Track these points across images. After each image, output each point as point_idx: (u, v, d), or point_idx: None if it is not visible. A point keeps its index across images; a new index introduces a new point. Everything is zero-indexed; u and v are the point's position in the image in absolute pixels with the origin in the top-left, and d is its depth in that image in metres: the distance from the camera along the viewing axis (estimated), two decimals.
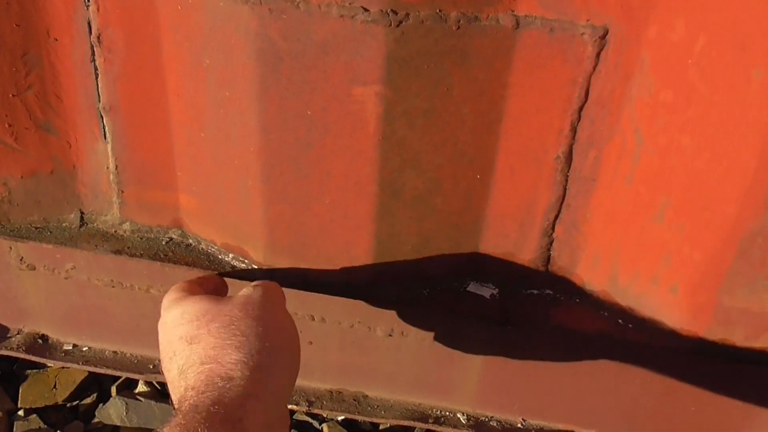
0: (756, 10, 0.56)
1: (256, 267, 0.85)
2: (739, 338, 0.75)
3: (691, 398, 0.93)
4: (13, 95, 0.79)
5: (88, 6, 0.73)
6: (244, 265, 0.85)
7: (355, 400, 1.05)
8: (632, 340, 0.80)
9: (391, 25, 0.62)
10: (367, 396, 1.04)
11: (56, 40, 0.76)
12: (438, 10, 0.62)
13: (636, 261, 0.75)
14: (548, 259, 0.82)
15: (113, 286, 0.96)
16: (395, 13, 0.61)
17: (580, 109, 0.69)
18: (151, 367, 1.05)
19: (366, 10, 0.61)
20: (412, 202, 0.75)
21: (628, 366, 0.91)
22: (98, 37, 0.74)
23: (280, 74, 0.66)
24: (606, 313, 0.82)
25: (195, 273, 0.86)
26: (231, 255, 0.86)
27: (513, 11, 0.64)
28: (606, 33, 0.64)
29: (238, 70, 0.68)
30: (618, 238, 0.75)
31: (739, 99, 0.60)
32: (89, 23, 0.74)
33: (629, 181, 0.70)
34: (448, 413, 1.03)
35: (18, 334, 1.07)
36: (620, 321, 0.81)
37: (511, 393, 0.99)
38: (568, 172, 0.74)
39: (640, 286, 0.77)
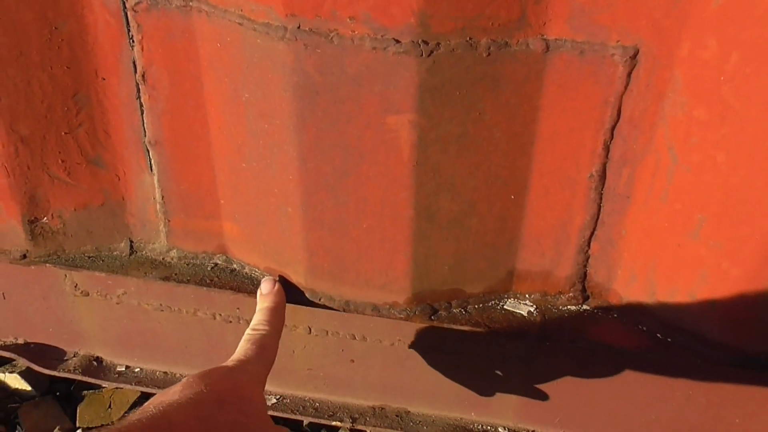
0: None
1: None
2: None
3: (735, 411, 0.92)
4: (65, 133, 0.83)
5: (132, 47, 0.76)
6: None
7: (397, 416, 1.06)
8: (672, 354, 0.80)
9: (422, 55, 0.63)
10: (409, 412, 1.05)
11: (104, 79, 0.80)
12: (468, 38, 0.64)
13: (673, 276, 0.75)
14: (585, 275, 0.83)
15: (162, 310, 1.00)
16: (426, 43, 0.63)
17: (613, 128, 0.70)
18: None
19: (397, 41, 0.63)
20: (448, 225, 0.77)
21: (669, 380, 0.90)
22: (143, 76, 0.78)
23: (316, 106, 0.69)
24: (644, 328, 0.81)
25: (240, 297, 0.89)
26: None
27: (543, 35, 0.65)
28: (637, 53, 0.65)
29: (276, 104, 0.70)
30: (654, 254, 0.75)
31: None
32: (134, 63, 0.77)
33: (664, 199, 0.71)
34: (489, 427, 1.04)
35: (74, 356, 1.11)
36: (659, 335, 0.80)
37: (552, 407, 0.99)
38: (602, 190, 0.75)
39: (678, 301, 0.76)
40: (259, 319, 0.79)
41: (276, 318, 0.80)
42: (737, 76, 0.60)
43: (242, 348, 0.74)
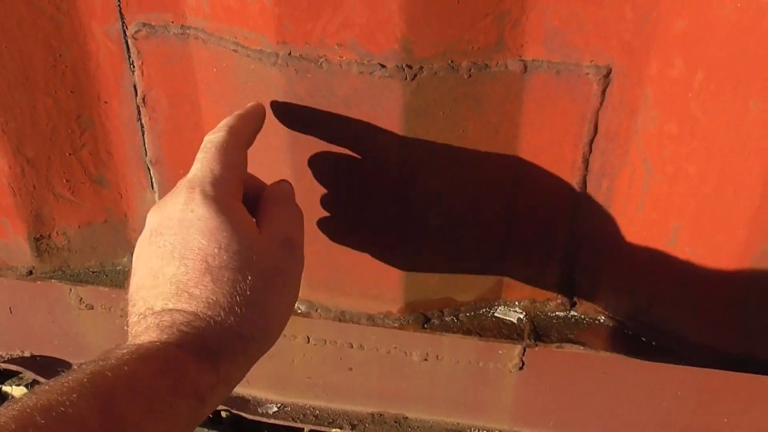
0: (748, 46, 0.59)
1: None
2: (761, 351, 0.77)
3: (724, 411, 0.94)
4: (69, 154, 0.87)
5: (133, 72, 0.80)
6: None
7: (396, 422, 1.09)
8: (658, 357, 0.83)
9: (406, 78, 0.67)
10: (407, 417, 1.08)
11: (106, 102, 0.84)
12: (450, 62, 0.67)
13: (654, 282, 0.78)
14: (571, 282, 0.86)
15: None
16: (410, 67, 0.66)
17: (591, 142, 0.73)
18: None
19: (383, 66, 0.66)
20: (438, 238, 0.80)
21: (657, 382, 0.93)
22: (143, 99, 0.81)
23: (307, 127, 0.72)
24: (630, 332, 0.85)
25: None
26: None
27: (521, 57, 0.68)
28: (609, 72, 0.68)
29: (270, 125, 0.74)
30: (635, 261, 0.79)
31: (740, 129, 0.63)
32: (135, 87, 0.81)
33: (641, 208, 0.74)
34: (485, 431, 1.07)
35: None
36: (644, 339, 0.84)
37: (546, 410, 1.02)
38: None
39: (661, 306, 0.79)
40: (219, 125, 0.63)
41: (240, 122, 0.64)
42: (703, 93, 0.63)
43: (196, 161, 0.59)
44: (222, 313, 0.51)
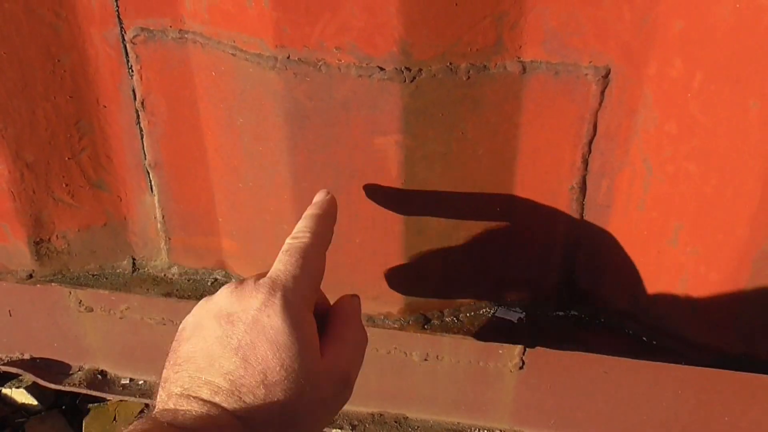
0: (747, 46, 0.59)
1: None
2: (762, 350, 0.77)
3: (724, 410, 0.95)
4: (68, 158, 0.87)
5: (132, 76, 0.80)
6: None
7: (396, 422, 1.09)
8: (658, 356, 0.83)
9: (405, 81, 0.67)
10: (407, 417, 1.08)
11: (105, 107, 0.83)
12: (448, 63, 0.67)
13: (655, 282, 0.78)
14: (571, 282, 0.86)
15: (164, 324, 1.03)
16: (409, 70, 0.66)
17: (590, 142, 0.73)
18: None
19: (382, 69, 0.66)
20: (437, 238, 0.80)
21: (658, 382, 0.93)
22: (142, 103, 0.81)
23: (307, 130, 0.72)
24: (630, 332, 0.85)
25: None
26: None
27: (519, 58, 0.68)
28: (608, 72, 0.68)
29: (269, 128, 0.74)
30: (636, 261, 0.79)
31: (739, 128, 0.63)
32: (133, 91, 0.81)
33: (641, 208, 0.74)
34: (485, 431, 1.07)
35: (79, 370, 1.15)
36: (645, 339, 0.84)
37: (546, 410, 1.02)
38: (583, 201, 0.78)
39: (661, 306, 0.80)
40: (299, 226, 0.63)
41: (321, 226, 0.64)
42: (703, 93, 0.63)
43: (279, 261, 0.60)
44: (261, 427, 0.53)
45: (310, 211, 0.65)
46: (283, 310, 0.55)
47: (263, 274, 0.60)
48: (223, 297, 0.58)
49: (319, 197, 0.68)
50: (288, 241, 0.62)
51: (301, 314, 0.57)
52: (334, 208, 0.67)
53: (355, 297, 0.67)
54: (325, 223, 0.65)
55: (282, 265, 0.59)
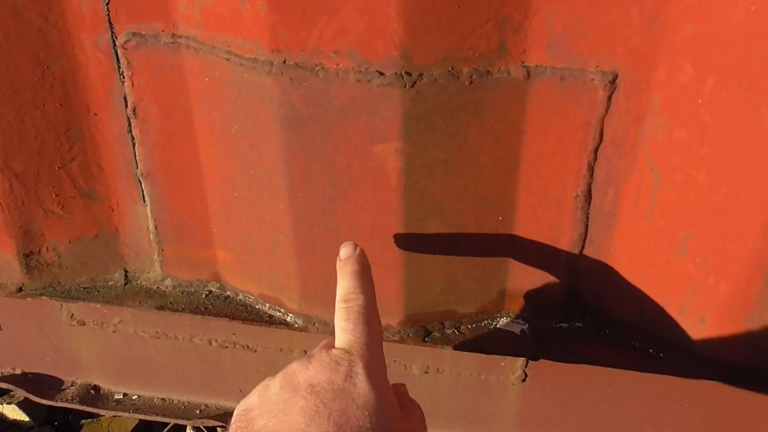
0: (761, 51, 0.57)
1: (291, 316, 0.88)
2: None
3: (732, 424, 0.92)
4: (58, 168, 0.84)
5: (123, 83, 0.78)
6: (280, 314, 0.89)
7: None
8: (665, 369, 0.81)
9: (406, 86, 0.65)
10: None
11: (96, 114, 0.81)
12: (450, 68, 0.65)
13: (662, 293, 0.76)
14: (576, 293, 0.84)
15: (158, 338, 1.01)
16: (409, 74, 0.64)
17: (596, 149, 0.71)
18: (197, 412, 1.08)
19: (381, 74, 0.64)
20: (439, 248, 0.78)
21: (665, 395, 0.91)
22: (134, 110, 0.79)
23: (304, 137, 0.70)
24: (636, 344, 0.82)
25: (236, 324, 0.89)
26: (268, 305, 0.89)
27: (523, 63, 0.67)
28: (615, 78, 0.66)
29: (265, 135, 0.72)
30: (643, 271, 0.76)
31: (752, 135, 0.61)
32: (125, 98, 0.79)
33: (649, 217, 0.72)
34: None
35: (72, 386, 1.12)
36: (651, 351, 0.81)
37: (550, 424, 0.99)
38: (588, 209, 0.76)
39: (669, 317, 0.77)
40: (348, 286, 0.63)
41: (367, 284, 0.64)
42: (714, 99, 0.61)
43: (345, 330, 0.60)
44: None
45: (350, 267, 0.65)
46: (367, 379, 0.56)
47: (330, 344, 0.60)
48: (297, 371, 0.58)
49: (348, 251, 0.67)
50: (341, 305, 0.62)
51: (383, 380, 0.59)
52: (368, 261, 0.68)
53: (402, 385, 0.68)
54: (369, 278, 0.66)
55: (351, 334, 0.60)
